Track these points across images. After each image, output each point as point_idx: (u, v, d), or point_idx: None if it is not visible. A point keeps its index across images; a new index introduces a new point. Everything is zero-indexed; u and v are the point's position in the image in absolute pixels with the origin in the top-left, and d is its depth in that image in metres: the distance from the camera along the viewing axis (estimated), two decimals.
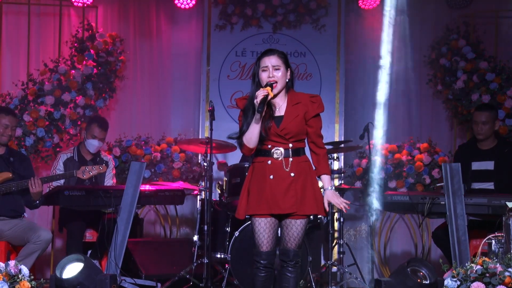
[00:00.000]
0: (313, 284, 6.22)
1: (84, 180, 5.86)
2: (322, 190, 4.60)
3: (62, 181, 6.46)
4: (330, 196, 4.59)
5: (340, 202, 4.57)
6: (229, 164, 7.14)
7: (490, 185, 6.19)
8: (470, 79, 7.47)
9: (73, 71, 7.48)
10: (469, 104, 7.42)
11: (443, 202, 5.68)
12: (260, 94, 4.42)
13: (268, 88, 4.44)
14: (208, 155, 6.19)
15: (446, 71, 7.64)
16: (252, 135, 4.50)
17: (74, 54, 7.58)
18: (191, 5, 7.92)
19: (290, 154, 4.57)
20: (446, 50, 7.67)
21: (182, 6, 7.93)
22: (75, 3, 7.73)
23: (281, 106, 4.61)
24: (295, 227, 4.59)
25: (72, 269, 5.39)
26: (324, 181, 4.63)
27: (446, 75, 7.64)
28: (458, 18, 7.80)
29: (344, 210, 4.58)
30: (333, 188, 4.63)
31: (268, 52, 4.62)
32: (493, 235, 4.97)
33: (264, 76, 4.55)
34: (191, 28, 8.14)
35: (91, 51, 7.57)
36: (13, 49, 7.84)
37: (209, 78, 7.91)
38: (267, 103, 4.47)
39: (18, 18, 7.85)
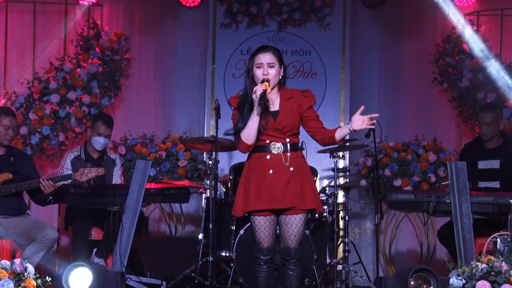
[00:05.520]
0: (318, 282, 6.22)
1: (83, 183, 5.78)
2: (348, 127, 4.54)
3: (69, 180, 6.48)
4: (356, 124, 4.51)
5: (367, 123, 4.49)
6: (233, 163, 7.15)
7: (496, 184, 6.18)
8: (475, 78, 7.45)
9: (79, 70, 7.49)
10: (475, 102, 7.41)
11: (449, 201, 5.68)
12: (259, 88, 4.47)
13: (266, 83, 4.51)
14: (213, 153, 6.19)
15: (452, 69, 7.63)
16: (250, 131, 4.52)
17: (79, 52, 7.59)
18: (196, 3, 7.93)
19: (288, 149, 4.59)
20: (451, 49, 7.65)
21: (187, 4, 7.93)
22: (81, 1, 7.74)
23: (274, 102, 4.66)
24: (295, 224, 4.60)
25: (77, 277, 5.30)
26: (342, 127, 4.61)
27: (452, 73, 7.63)
28: (463, 16, 7.78)
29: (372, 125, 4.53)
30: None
31: (262, 49, 4.65)
32: (499, 233, 4.97)
33: (258, 73, 4.58)
34: (196, 27, 8.13)
35: (97, 49, 7.57)
36: (18, 48, 7.85)
37: (214, 77, 7.91)
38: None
39: (24, 16, 7.86)
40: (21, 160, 6.08)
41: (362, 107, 4.55)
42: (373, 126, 4.55)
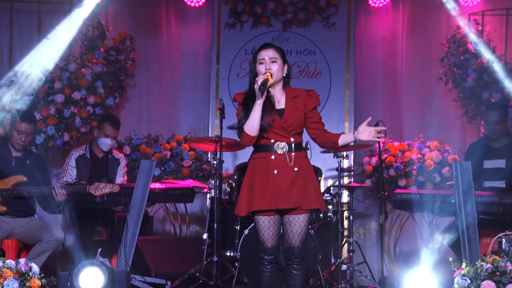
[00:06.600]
0: (323, 282, 6.22)
1: (96, 197, 5.76)
2: (353, 136, 4.60)
3: (73, 177, 6.48)
4: (363, 135, 4.56)
5: (373, 135, 4.55)
6: (238, 163, 7.15)
7: (501, 183, 6.17)
8: (480, 78, 7.44)
9: (83, 70, 7.49)
10: (480, 102, 7.40)
11: (454, 201, 5.67)
12: (261, 77, 4.48)
13: (268, 73, 4.52)
14: (218, 153, 6.19)
15: (457, 69, 7.62)
16: (253, 122, 4.52)
17: (84, 52, 7.59)
18: (200, 3, 7.93)
19: (293, 149, 4.60)
20: (456, 48, 7.64)
21: (192, 4, 7.94)
22: (86, 2, 7.74)
23: (280, 100, 4.67)
24: (298, 223, 4.61)
25: (87, 277, 5.23)
26: (347, 134, 4.67)
27: (456, 73, 7.62)
28: (468, 16, 7.77)
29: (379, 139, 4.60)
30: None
31: (265, 46, 4.69)
32: (504, 233, 4.96)
33: (261, 68, 4.60)
34: (201, 27, 8.14)
35: (101, 49, 7.57)
36: (23, 47, 7.86)
37: (218, 77, 7.92)
38: (267, 95, 4.52)
39: (28, 16, 7.87)
40: (37, 164, 6.06)
41: (369, 119, 4.58)
42: (379, 140, 4.60)
